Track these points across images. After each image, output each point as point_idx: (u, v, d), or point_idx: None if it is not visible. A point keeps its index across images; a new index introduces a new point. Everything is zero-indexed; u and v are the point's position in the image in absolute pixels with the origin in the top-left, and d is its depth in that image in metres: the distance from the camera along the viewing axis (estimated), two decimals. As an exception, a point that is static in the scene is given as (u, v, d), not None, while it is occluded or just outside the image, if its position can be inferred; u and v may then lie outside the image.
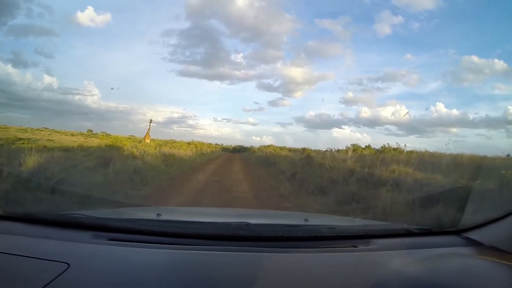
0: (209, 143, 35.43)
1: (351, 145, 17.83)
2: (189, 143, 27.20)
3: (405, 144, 11.19)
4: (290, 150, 22.90)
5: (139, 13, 37.87)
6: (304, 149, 14.07)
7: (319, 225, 1.48)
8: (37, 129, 23.41)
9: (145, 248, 1.07)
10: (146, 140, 18.81)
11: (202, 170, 11.64)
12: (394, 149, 13.46)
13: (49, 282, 0.83)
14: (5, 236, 1.12)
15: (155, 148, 16.68)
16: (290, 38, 34.63)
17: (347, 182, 6.77)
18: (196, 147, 26.07)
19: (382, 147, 15.01)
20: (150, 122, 19.18)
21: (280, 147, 25.72)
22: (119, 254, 1.03)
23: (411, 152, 11.51)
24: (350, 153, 15.83)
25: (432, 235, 1.39)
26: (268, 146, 28.51)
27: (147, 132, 18.98)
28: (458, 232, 1.36)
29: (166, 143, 22.46)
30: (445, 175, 5.59)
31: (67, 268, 0.89)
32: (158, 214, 1.48)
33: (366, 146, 18.38)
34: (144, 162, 11.01)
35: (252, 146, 34.87)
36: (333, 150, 14.88)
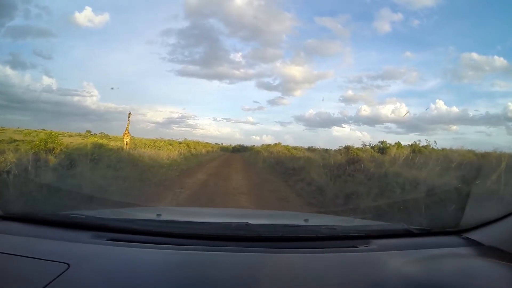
0: (206, 142, 32.48)
1: (379, 142, 13.78)
2: (180, 143, 22.57)
3: (435, 141, 9.92)
4: (307, 149, 17.72)
5: (137, 13, 36.40)
6: (347, 148, 8.95)
7: (319, 225, 1.44)
8: (35, 131, 22.41)
9: (145, 248, 1.06)
10: (125, 139, 13.80)
11: (164, 194, 6.35)
12: (424, 146, 11.59)
13: (49, 282, 0.82)
14: (5, 236, 1.11)
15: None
16: (289, 37, 33.57)
17: None
18: (188, 146, 21.36)
19: (412, 144, 12.39)
20: (129, 117, 14.15)
21: (293, 146, 20.69)
22: (119, 254, 1.02)
23: (443, 149, 10.20)
24: (394, 152, 11.14)
25: (432, 235, 1.36)
26: (275, 145, 23.38)
27: (126, 129, 13.97)
28: (458, 233, 1.33)
29: (153, 142, 18.13)
30: None
31: (67, 268, 0.88)
32: (158, 215, 1.44)
33: (395, 143, 14.34)
34: (65, 176, 6.04)
35: (254, 145, 31.99)
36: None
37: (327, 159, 11.55)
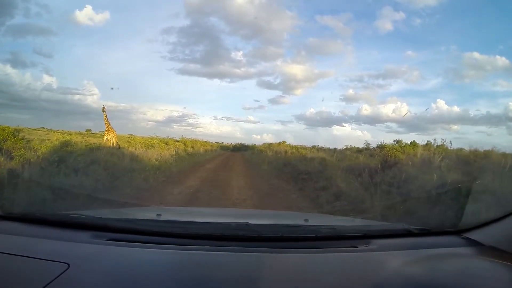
0: (206, 141, 31.34)
1: (395, 141, 12.06)
2: (176, 141, 20.77)
3: (450, 142, 8.89)
4: (318, 149, 15.76)
5: (138, 11, 36.79)
6: (382, 147, 7.05)
7: (319, 225, 1.42)
8: (35, 129, 23.12)
9: (145, 248, 1.04)
10: (106, 136, 11.72)
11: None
12: (439, 146, 10.04)
13: (49, 282, 0.81)
14: (5, 236, 1.10)
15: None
16: (290, 35, 33.42)
17: None
18: (185, 145, 19.56)
19: (427, 143, 10.80)
20: (103, 111, 11.88)
21: (296, 145, 18.90)
22: (119, 254, 1.01)
23: (460, 149, 9.36)
24: (421, 153, 9.36)
25: (432, 235, 1.35)
26: (279, 143, 21.53)
27: (106, 126, 11.79)
28: (458, 232, 1.32)
29: (144, 140, 16.34)
30: None
31: (67, 268, 0.87)
32: (158, 214, 1.42)
33: (411, 142, 12.76)
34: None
35: (255, 144, 31.39)
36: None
37: (343, 160, 9.72)
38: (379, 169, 6.17)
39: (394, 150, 6.67)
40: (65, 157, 6.88)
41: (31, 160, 6.33)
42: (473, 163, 7.63)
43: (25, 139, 10.19)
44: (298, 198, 5.70)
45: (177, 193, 5.52)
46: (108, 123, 11.58)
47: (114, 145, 11.97)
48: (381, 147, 7.32)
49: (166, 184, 6.49)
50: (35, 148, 6.83)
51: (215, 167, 11.74)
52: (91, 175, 6.09)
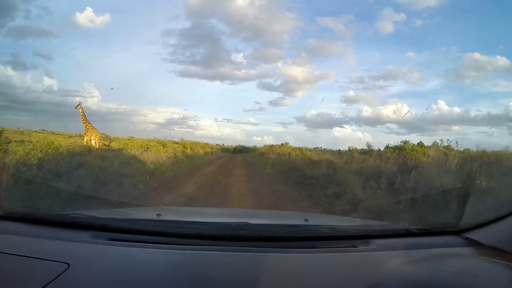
0: (206, 143, 30.97)
1: (401, 142, 11.49)
2: (175, 143, 20.15)
3: (456, 142, 8.34)
4: (322, 151, 15.06)
5: (138, 13, 35.94)
6: (401, 148, 6.35)
7: (319, 225, 1.42)
8: (35, 131, 22.81)
9: (145, 248, 1.04)
10: (86, 137, 10.78)
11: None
12: (445, 147, 10.04)
13: (49, 282, 0.81)
14: (5, 236, 1.10)
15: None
16: (291, 37, 33.56)
17: None
18: (184, 147, 18.94)
19: (434, 144, 10.62)
20: (76, 108, 10.90)
21: (303, 147, 18.23)
22: (119, 254, 1.01)
23: (467, 150, 9.00)
24: (433, 154, 8.70)
25: (432, 235, 1.34)
26: (282, 145, 20.94)
27: (85, 126, 10.80)
28: (458, 232, 1.32)
29: (140, 143, 15.67)
30: None
31: (67, 268, 0.87)
32: (158, 214, 1.41)
33: (418, 143, 12.20)
34: None
35: (256, 146, 31.16)
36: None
37: (351, 163, 9.02)
38: (398, 173, 5.48)
39: (415, 152, 5.96)
40: (48, 160, 6.24)
41: (8, 164, 5.68)
42: (495, 165, 6.95)
43: (15, 141, 9.56)
44: (308, 207, 5.00)
45: (169, 202, 4.83)
46: (87, 122, 10.67)
47: (97, 146, 11.09)
48: (400, 148, 6.59)
49: (159, 191, 5.80)
50: (13, 151, 6.18)
51: (214, 171, 11.05)
52: (74, 180, 5.44)
